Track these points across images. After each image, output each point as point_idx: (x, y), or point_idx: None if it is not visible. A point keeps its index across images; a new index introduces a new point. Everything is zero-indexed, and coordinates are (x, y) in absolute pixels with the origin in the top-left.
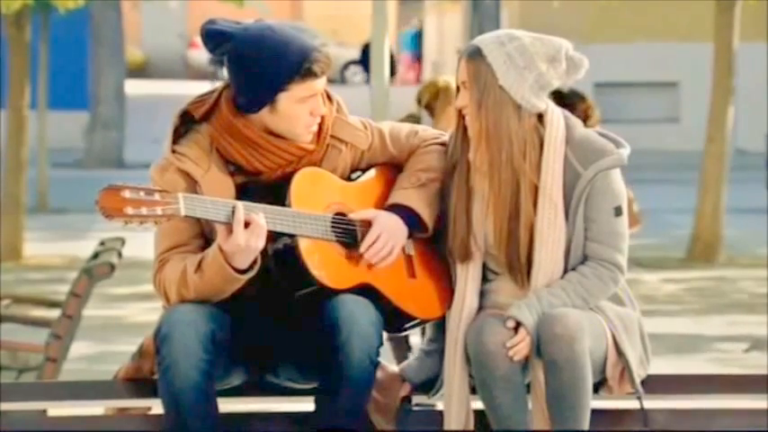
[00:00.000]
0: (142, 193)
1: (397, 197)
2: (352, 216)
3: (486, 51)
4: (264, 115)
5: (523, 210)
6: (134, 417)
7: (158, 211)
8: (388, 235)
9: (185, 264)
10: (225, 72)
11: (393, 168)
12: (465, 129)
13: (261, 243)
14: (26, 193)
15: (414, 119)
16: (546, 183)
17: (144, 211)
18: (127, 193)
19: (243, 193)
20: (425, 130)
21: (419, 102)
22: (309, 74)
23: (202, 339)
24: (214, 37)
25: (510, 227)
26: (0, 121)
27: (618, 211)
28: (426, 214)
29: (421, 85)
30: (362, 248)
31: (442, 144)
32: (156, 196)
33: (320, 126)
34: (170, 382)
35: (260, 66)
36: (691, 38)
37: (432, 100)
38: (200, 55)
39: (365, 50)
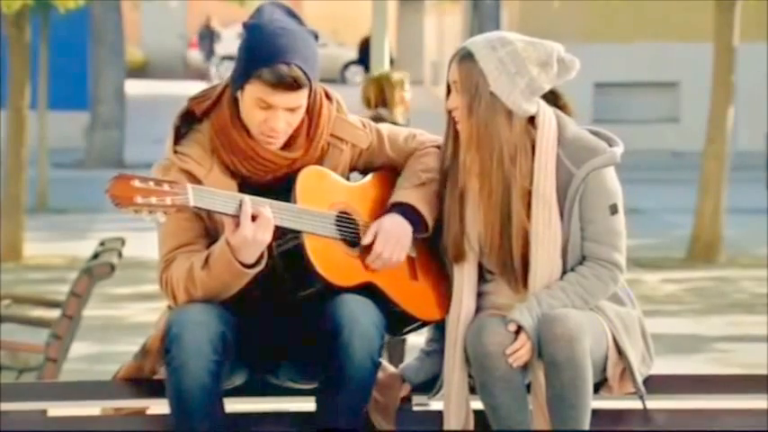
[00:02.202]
0: (152, 183)
1: (399, 196)
2: (363, 241)
3: (478, 56)
4: (240, 98)
5: (515, 214)
6: (134, 417)
7: (167, 201)
8: (395, 240)
9: (192, 261)
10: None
11: (394, 171)
12: (456, 130)
13: (268, 236)
14: (26, 193)
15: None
16: (539, 184)
17: (153, 200)
18: (137, 183)
19: (245, 192)
20: (423, 134)
21: (368, 103)
22: (260, 79)
23: (213, 340)
24: (254, 13)
25: (502, 231)
26: (0, 121)
27: (613, 210)
28: (426, 212)
29: (362, 89)
30: (370, 260)
31: (440, 147)
32: (166, 186)
33: (312, 130)
34: (179, 382)
35: (244, 47)
36: (691, 38)
37: (379, 94)
38: (201, 55)
39: (362, 48)
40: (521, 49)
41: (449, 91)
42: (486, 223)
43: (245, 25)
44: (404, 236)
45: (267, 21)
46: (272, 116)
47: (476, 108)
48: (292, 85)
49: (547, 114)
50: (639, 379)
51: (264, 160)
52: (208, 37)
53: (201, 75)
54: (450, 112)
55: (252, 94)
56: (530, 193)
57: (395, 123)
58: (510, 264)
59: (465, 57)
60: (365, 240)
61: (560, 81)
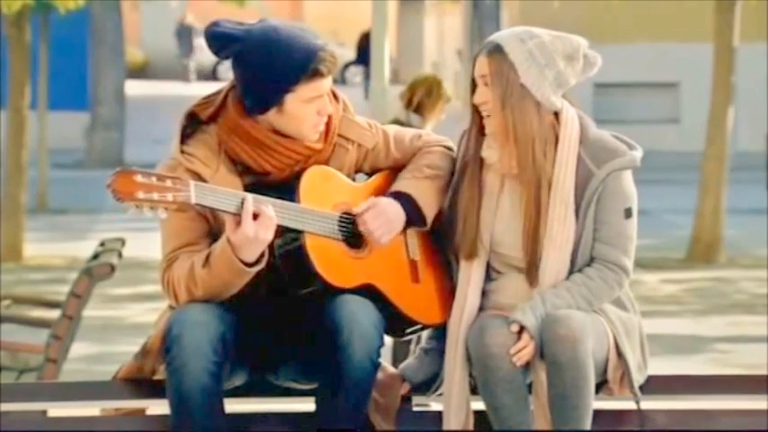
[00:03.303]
0: (154, 179)
1: (399, 186)
2: (354, 210)
3: (508, 49)
4: (271, 116)
5: (543, 209)
6: (134, 417)
7: (169, 197)
8: (385, 220)
9: (193, 260)
10: (193, 68)
11: (399, 172)
12: (481, 125)
13: (269, 235)
14: (26, 193)
15: (399, 124)
16: (558, 181)
17: (155, 196)
18: (139, 178)
19: (253, 191)
20: (428, 134)
21: (409, 102)
22: (316, 74)
23: (213, 341)
24: (219, 39)
25: (536, 227)
26: (0, 121)
27: (628, 213)
28: (424, 203)
29: (407, 85)
30: (357, 210)
31: (446, 148)
32: (168, 182)
33: (327, 125)
34: (179, 383)
35: (266, 68)
36: (691, 38)
37: (425, 96)
38: (201, 55)
39: (360, 45)
40: (548, 42)
41: (474, 86)
42: (524, 218)
43: (240, 56)
44: (395, 220)
45: (272, 35)
46: (321, 104)
47: (509, 100)
48: (334, 62)
49: (570, 112)
50: (636, 385)
51: (288, 150)
52: (185, 34)
53: (206, 75)
54: (476, 107)
55: (303, 95)
56: (550, 188)
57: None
58: (535, 260)
59: (494, 50)
60: (357, 210)
61: (584, 77)
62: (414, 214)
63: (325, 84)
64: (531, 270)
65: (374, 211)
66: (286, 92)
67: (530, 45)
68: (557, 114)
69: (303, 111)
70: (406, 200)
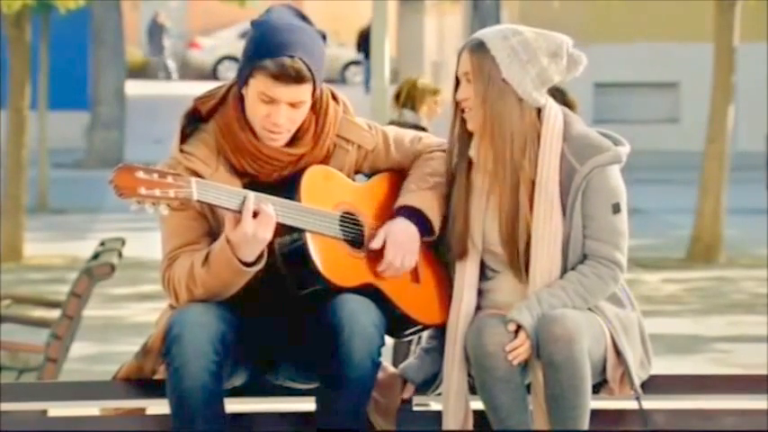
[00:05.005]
0: (156, 175)
1: (407, 199)
2: (370, 246)
3: (490, 45)
4: (245, 94)
5: (522, 206)
6: (134, 417)
7: (171, 193)
8: (404, 248)
9: (193, 259)
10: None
11: (399, 173)
12: (463, 123)
13: (269, 234)
14: (26, 193)
15: (395, 124)
16: (542, 178)
17: (157, 192)
18: (141, 174)
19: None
20: (428, 137)
21: (397, 99)
22: (264, 69)
23: (213, 341)
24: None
25: (510, 222)
26: (0, 121)
27: (616, 209)
28: (433, 216)
29: (396, 87)
30: (381, 269)
31: (445, 151)
32: (170, 179)
33: (319, 128)
34: (179, 383)
35: (249, 44)
36: (691, 38)
37: (412, 90)
38: (200, 55)
39: (360, 40)
40: (531, 39)
41: (457, 83)
42: (500, 214)
43: (253, 23)
44: (413, 241)
45: (275, 18)
46: (274, 111)
47: (489, 96)
48: (294, 77)
49: (553, 109)
50: (637, 382)
51: (268, 158)
52: (156, 33)
53: (207, 75)
54: (458, 105)
55: (255, 88)
56: (533, 186)
57: (417, 126)
58: (517, 256)
59: (477, 46)
60: (374, 245)
61: (569, 76)
62: (424, 227)
63: (278, 91)
64: (516, 268)
65: (391, 246)
66: (249, 75)
67: (512, 41)
68: (540, 112)
69: (255, 104)
70: (415, 214)
